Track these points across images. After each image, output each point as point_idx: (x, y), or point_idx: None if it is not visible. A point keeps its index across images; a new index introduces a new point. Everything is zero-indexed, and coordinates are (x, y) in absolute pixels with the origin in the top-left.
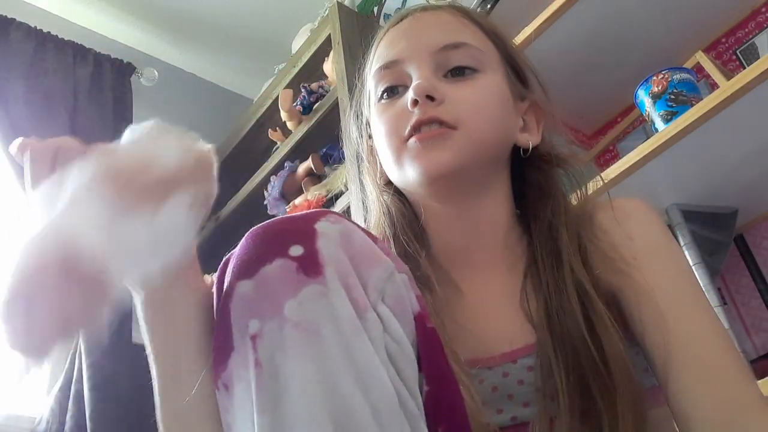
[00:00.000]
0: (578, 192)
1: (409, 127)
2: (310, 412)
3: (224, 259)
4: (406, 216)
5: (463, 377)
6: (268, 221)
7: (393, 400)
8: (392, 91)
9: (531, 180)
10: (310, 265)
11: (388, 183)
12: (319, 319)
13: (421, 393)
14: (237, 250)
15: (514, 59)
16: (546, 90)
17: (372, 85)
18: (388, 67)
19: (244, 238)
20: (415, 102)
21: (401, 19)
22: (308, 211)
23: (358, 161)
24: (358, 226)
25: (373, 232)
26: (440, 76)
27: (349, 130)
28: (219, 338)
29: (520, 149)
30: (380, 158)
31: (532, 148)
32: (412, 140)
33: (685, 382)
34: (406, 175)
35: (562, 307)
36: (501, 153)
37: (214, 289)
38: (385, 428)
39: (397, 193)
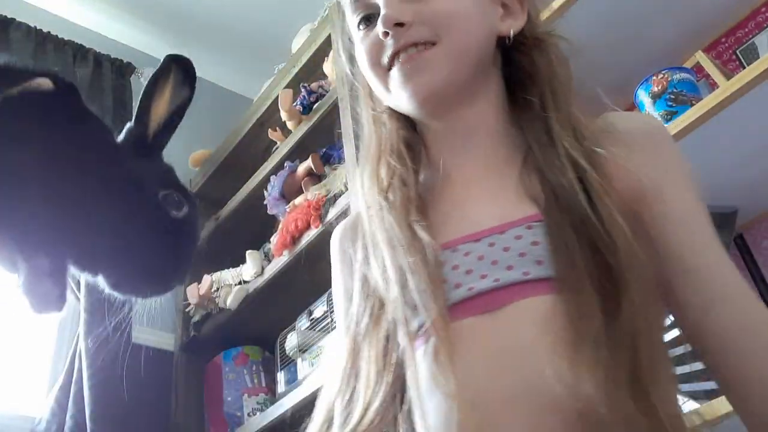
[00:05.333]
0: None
1: (387, 58)
2: None
3: None
4: (400, 131)
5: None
6: None
7: None
8: (368, 20)
9: (520, 65)
10: None
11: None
12: None
13: None
14: None
15: None
16: None
17: (348, 15)
18: None
19: None
20: (386, 33)
21: None
22: None
23: (351, 90)
24: None
25: (363, 153)
26: None
27: (341, 64)
28: None
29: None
30: (370, 85)
31: (520, 32)
32: (394, 69)
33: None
34: (397, 101)
35: (561, 183)
36: (486, 50)
37: None
38: None
39: (394, 114)
